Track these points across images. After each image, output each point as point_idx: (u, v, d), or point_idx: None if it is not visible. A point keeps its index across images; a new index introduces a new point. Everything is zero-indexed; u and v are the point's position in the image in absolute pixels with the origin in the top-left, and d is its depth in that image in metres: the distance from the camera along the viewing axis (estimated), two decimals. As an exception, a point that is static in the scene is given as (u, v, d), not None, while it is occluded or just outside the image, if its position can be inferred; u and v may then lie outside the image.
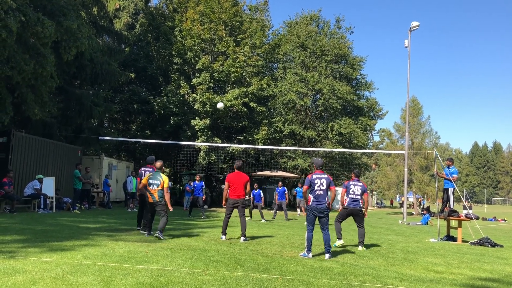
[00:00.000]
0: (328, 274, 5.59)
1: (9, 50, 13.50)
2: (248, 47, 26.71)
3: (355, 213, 8.80)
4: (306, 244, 7.09)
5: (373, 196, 58.56)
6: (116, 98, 26.69)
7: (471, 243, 10.69)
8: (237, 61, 25.79)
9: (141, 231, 9.13)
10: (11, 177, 13.90)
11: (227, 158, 25.81)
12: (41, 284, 4.25)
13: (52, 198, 15.23)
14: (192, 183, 17.45)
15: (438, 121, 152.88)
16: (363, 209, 8.84)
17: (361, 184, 8.85)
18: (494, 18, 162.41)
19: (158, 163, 8.83)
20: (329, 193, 7.29)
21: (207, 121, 24.99)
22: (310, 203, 7.21)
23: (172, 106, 25.56)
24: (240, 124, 27.36)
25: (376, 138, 46.77)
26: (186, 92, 26.03)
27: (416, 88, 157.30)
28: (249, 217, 16.29)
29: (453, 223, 12.22)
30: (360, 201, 8.78)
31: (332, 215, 8.20)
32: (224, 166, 25.80)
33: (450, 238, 11.51)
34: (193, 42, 25.99)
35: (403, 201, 27.50)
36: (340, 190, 10.77)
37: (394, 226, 17.21)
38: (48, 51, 15.01)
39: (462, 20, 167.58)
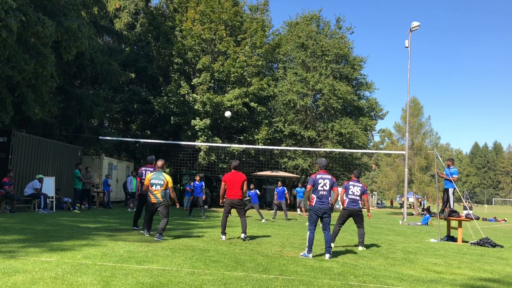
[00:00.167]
0: (328, 274, 5.59)
1: (9, 50, 13.50)
2: (249, 47, 26.71)
3: (355, 213, 8.80)
4: (307, 244, 7.08)
5: (373, 196, 58.58)
6: (116, 98, 26.70)
7: (471, 243, 10.69)
8: (237, 61, 25.79)
9: (141, 231, 9.12)
10: (11, 177, 13.90)
11: (227, 158, 25.80)
12: (41, 284, 4.24)
13: (52, 198, 15.22)
14: (192, 183, 17.45)
15: (439, 121, 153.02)
16: (363, 210, 8.85)
17: (360, 185, 8.85)
18: (494, 18, 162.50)
19: (160, 162, 8.64)
20: (331, 193, 7.33)
21: (208, 121, 24.99)
22: (313, 204, 7.21)
23: (172, 106, 25.56)
24: (241, 124, 27.35)
25: (377, 138, 46.82)
26: (186, 92, 26.03)
27: (416, 88, 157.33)
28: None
29: (453, 223, 12.22)
30: (359, 202, 8.79)
31: (333, 216, 8.19)
32: (225, 166, 25.79)
33: (450, 238, 11.51)
34: (193, 42, 26.00)
35: (403, 201, 27.50)
36: (339, 190, 10.77)
37: (395, 226, 17.20)
38: (49, 51, 15.01)
39: (463, 20, 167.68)
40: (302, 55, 30.57)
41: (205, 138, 24.87)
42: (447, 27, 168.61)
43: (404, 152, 25.18)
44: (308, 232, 7.19)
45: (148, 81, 29.67)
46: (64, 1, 16.24)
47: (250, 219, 15.99)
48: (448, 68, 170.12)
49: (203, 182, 16.71)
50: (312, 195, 7.25)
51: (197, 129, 24.77)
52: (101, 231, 9.12)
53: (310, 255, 7.02)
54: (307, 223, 7.37)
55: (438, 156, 13.09)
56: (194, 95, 25.50)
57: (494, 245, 10.35)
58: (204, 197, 16.33)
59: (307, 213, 10.03)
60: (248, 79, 26.84)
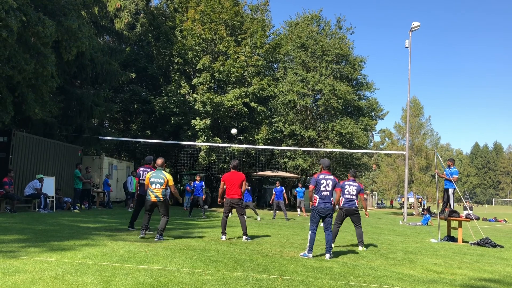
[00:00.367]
0: (329, 274, 5.59)
1: (10, 50, 13.50)
2: (249, 47, 26.70)
3: (351, 213, 8.79)
4: (308, 244, 7.08)
5: (373, 197, 58.56)
6: (116, 98, 26.70)
7: (471, 243, 10.68)
8: (237, 61, 25.79)
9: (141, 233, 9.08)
10: (11, 177, 13.90)
11: (227, 158, 25.80)
12: (41, 283, 4.24)
13: (52, 197, 15.23)
14: (192, 183, 17.47)
15: (439, 121, 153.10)
16: (359, 209, 8.85)
17: (356, 184, 8.83)
18: (494, 18, 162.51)
19: (160, 161, 8.41)
20: (333, 194, 7.38)
21: (208, 121, 25.00)
22: (316, 204, 7.21)
23: (172, 106, 25.56)
24: (241, 124, 27.35)
25: (377, 138, 46.74)
26: (186, 92, 26.04)
27: (416, 88, 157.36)
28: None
29: (454, 223, 12.22)
30: (355, 201, 8.78)
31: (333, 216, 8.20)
32: (225, 166, 25.78)
33: (451, 238, 11.50)
34: (193, 42, 26.00)
35: (403, 202, 27.50)
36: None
37: (395, 227, 17.20)
38: (49, 51, 15.01)
39: (463, 20, 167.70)
40: (303, 55, 30.56)
41: (205, 138, 24.87)
42: (447, 27, 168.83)
43: (404, 152, 25.17)
44: (310, 232, 7.19)
45: (149, 81, 29.67)
46: (64, 1, 16.25)
47: (250, 220, 15.99)
48: (448, 68, 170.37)
49: (203, 182, 16.71)
50: (315, 195, 7.25)
51: (197, 129, 24.77)
52: (101, 231, 9.12)
53: (311, 255, 7.02)
54: (309, 224, 7.38)
55: (439, 156, 13.09)
56: (195, 95, 25.50)
57: (494, 246, 10.34)
58: (204, 197, 16.34)
59: (308, 213, 10.02)
60: (249, 79, 26.84)
